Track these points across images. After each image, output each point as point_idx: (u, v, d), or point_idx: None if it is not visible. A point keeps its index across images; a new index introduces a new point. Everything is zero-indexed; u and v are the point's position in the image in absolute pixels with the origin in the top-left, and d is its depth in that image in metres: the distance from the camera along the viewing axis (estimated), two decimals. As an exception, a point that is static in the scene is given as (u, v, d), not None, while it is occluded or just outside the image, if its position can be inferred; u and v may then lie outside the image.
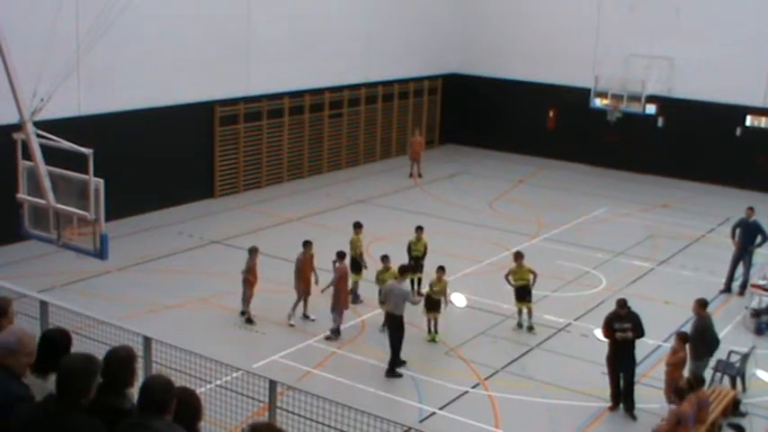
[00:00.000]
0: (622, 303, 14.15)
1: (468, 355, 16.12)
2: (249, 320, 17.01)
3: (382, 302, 15.70)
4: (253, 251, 17.30)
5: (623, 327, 13.92)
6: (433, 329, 16.72)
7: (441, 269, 16.83)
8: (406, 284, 16.30)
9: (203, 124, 25.27)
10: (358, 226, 18.64)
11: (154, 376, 5.56)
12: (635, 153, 31.17)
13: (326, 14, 28.50)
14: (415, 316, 17.26)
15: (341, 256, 17.01)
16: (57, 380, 5.18)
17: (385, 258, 17.34)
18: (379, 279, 17.05)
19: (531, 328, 17.30)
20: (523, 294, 17.28)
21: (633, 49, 29.93)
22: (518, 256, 17.52)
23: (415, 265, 18.38)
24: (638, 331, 14.00)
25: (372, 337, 16.65)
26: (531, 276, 17.27)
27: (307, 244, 17.49)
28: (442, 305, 16.79)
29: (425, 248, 18.65)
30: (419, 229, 18.84)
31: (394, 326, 15.19)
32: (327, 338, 16.43)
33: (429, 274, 18.09)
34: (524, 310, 17.37)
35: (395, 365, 15.12)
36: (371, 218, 24.52)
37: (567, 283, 20.00)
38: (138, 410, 5.18)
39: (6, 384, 5.48)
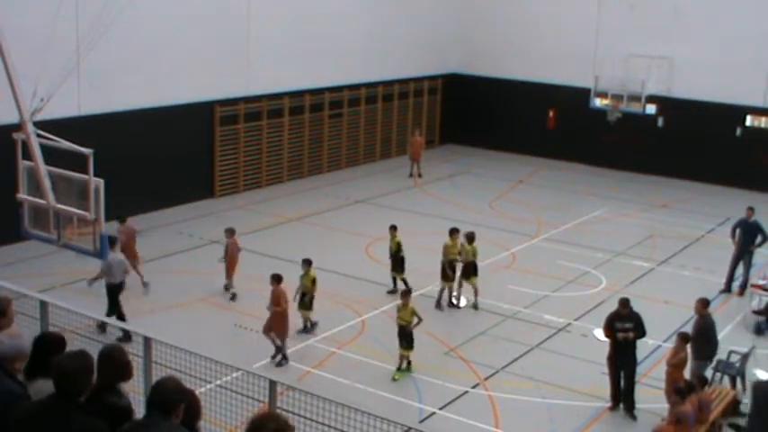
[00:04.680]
0: (624, 302, 14.13)
1: (468, 355, 16.11)
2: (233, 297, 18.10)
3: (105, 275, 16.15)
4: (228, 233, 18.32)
5: (625, 327, 13.90)
6: (404, 366, 15.13)
7: (407, 293, 15.50)
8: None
9: (203, 124, 25.27)
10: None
11: (165, 378, 5.55)
12: (635, 153, 31.16)
13: (326, 14, 28.49)
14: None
15: (276, 279, 15.63)
16: (55, 380, 5.17)
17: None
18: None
19: (452, 305, 18.29)
20: (459, 271, 18.22)
21: (633, 49, 29.90)
22: (453, 232, 18.45)
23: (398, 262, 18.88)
24: (640, 331, 13.99)
25: (373, 337, 16.65)
26: (459, 256, 18.23)
27: (230, 231, 18.39)
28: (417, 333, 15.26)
29: (399, 246, 18.71)
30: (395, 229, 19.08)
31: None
32: (277, 364, 15.25)
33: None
34: (454, 287, 18.27)
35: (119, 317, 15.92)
36: (371, 218, 24.55)
37: (567, 283, 20.00)
38: (146, 411, 5.19)
39: (3, 383, 5.47)
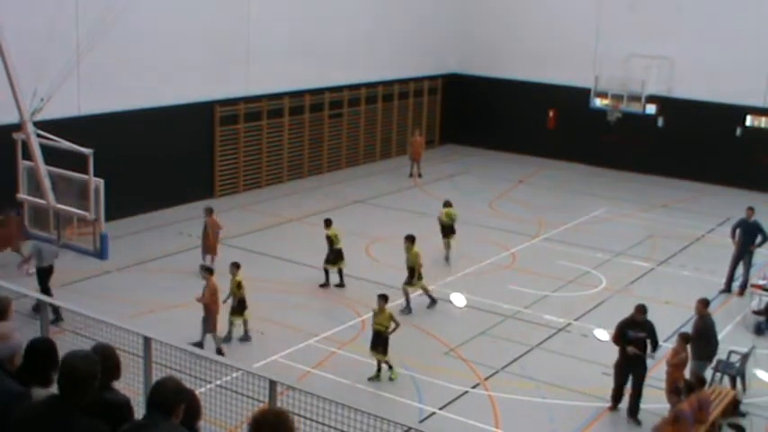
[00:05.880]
0: (641, 309, 13.79)
1: (468, 355, 16.11)
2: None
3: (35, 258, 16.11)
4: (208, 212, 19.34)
5: (638, 335, 13.66)
6: (383, 369, 14.83)
7: (383, 298, 14.92)
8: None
9: (203, 124, 25.26)
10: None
11: (165, 378, 5.52)
12: (635, 153, 31.16)
13: (327, 14, 28.48)
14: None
15: (208, 270, 15.82)
16: (62, 379, 5.12)
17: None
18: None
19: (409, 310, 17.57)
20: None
21: (633, 49, 29.90)
22: (407, 239, 17.80)
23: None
24: (652, 340, 13.72)
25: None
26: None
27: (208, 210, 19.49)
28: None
29: (337, 237, 18.89)
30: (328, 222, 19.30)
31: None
32: (196, 344, 14.44)
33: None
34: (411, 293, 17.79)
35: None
36: (371, 218, 24.56)
37: (567, 283, 20.00)
38: (146, 411, 5.18)
39: (3, 383, 5.46)
